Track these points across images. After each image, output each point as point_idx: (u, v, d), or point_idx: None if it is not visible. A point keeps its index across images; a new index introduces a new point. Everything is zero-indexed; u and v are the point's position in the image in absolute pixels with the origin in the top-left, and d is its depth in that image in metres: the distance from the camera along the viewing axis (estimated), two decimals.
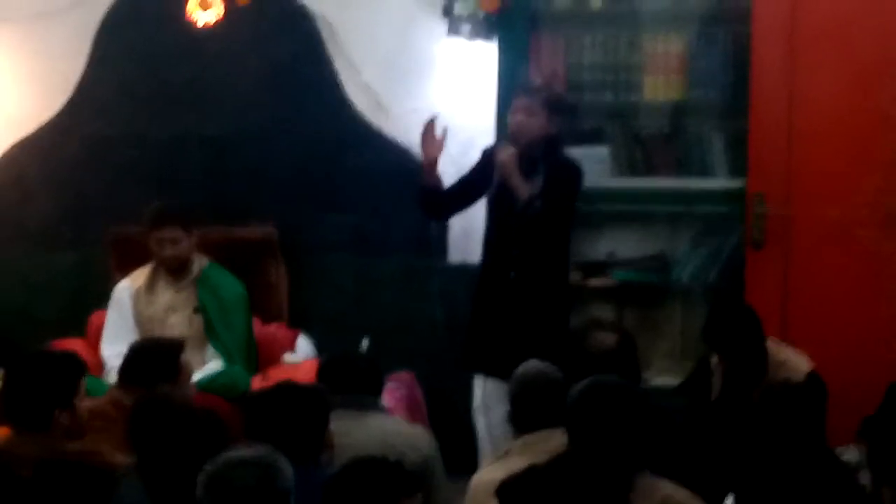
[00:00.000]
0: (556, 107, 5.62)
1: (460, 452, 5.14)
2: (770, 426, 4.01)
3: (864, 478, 3.49)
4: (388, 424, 4.43)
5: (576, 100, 6.06)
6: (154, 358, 4.63)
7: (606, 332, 4.42)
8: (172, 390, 4.28)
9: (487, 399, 5.58)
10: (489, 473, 3.79)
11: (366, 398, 4.44)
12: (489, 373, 5.55)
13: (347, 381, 4.44)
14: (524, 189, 5.41)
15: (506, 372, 5.27)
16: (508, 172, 5.42)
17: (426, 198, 5.65)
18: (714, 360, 5.16)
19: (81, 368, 4.33)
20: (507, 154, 5.44)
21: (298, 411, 3.87)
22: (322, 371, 4.57)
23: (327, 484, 3.31)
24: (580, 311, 5.94)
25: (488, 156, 5.66)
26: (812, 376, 4.85)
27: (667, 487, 3.60)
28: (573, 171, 5.60)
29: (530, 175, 5.46)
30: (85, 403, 4.44)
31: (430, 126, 5.53)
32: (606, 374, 3.82)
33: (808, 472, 3.20)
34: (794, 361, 4.97)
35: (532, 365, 4.36)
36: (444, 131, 5.52)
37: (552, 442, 3.77)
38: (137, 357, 4.68)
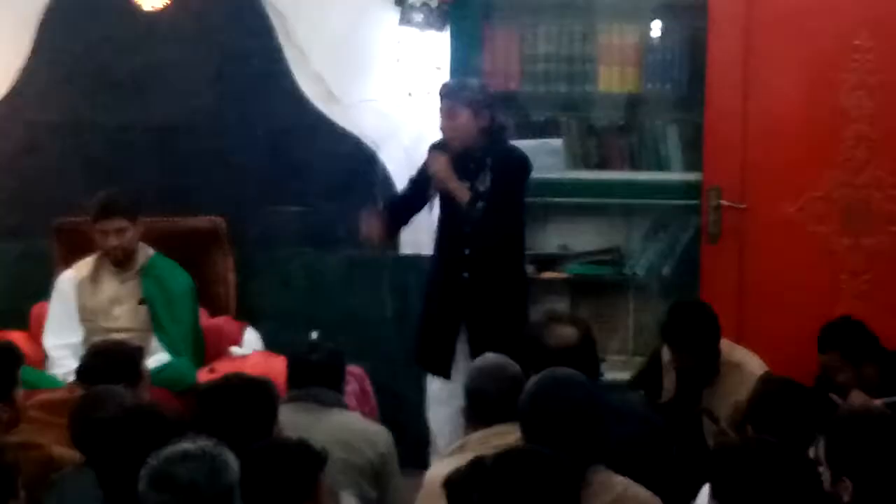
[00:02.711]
0: (481, 100, 5.50)
1: (411, 447, 5.07)
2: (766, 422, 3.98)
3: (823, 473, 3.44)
4: (347, 421, 4.42)
5: (529, 91, 6.01)
6: (114, 360, 4.50)
7: (567, 326, 4.32)
8: (116, 388, 4.16)
9: (439, 395, 5.54)
10: (444, 468, 3.71)
11: (327, 393, 4.42)
12: (438, 373, 5.52)
13: (310, 376, 4.44)
14: (463, 193, 5.40)
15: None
16: (444, 179, 5.42)
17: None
18: (666, 356, 5.12)
19: (17, 359, 4.28)
20: (439, 163, 5.43)
21: (246, 404, 3.82)
22: (290, 365, 4.56)
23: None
24: (533, 304, 5.89)
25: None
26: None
27: (622, 483, 3.55)
28: (517, 161, 5.54)
29: (477, 172, 5.42)
30: (41, 396, 4.35)
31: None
32: (565, 367, 3.76)
33: (788, 469, 3.16)
34: (749, 363, 4.97)
35: (489, 358, 4.30)
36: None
37: (509, 437, 3.71)
38: (97, 358, 4.55)
